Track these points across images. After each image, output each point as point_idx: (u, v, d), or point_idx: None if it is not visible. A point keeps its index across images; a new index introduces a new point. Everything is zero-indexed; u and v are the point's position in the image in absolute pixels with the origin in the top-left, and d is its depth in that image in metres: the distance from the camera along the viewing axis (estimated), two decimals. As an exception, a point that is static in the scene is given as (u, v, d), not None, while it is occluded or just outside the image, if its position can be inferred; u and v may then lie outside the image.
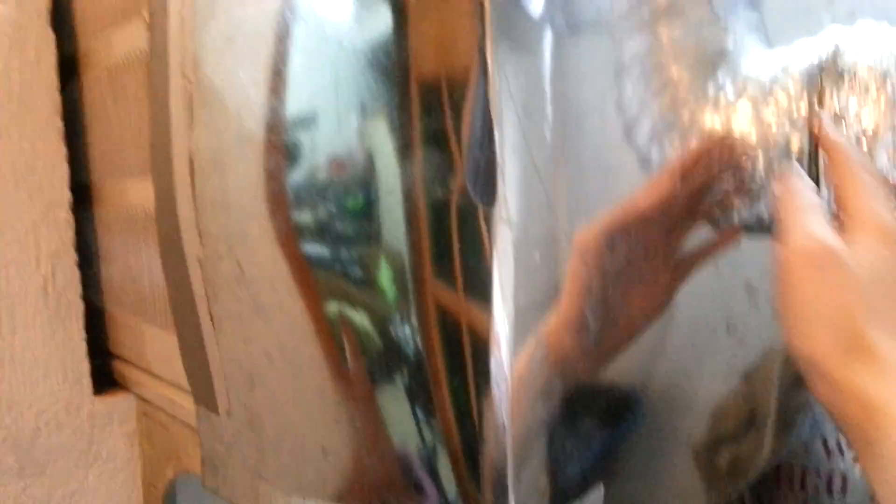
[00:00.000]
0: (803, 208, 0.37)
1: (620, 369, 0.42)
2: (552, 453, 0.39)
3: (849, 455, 0.97)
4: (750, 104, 0.45)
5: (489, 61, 0.30)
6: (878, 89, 0.41)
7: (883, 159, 0.41)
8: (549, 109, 0.34)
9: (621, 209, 0.40)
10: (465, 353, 0.36)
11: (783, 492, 1.03)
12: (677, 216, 0.42)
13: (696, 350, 0.46)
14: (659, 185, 0.42)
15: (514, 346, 0.33)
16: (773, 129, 0.44)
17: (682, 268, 0.45)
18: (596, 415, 0.42)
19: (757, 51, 0.48)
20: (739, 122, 0.45)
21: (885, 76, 0.41)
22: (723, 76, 0.46)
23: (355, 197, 0.37)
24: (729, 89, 0.46)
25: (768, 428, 0.57)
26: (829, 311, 0.33)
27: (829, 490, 0.99)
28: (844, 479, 0.99)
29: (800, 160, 0.43)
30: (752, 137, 0.45)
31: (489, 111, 0.30)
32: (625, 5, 0.43)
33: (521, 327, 0.34)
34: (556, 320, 0.36)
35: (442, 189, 0.33)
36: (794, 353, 0.35)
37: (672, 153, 0.45)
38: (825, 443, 0.97)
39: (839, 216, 0.37)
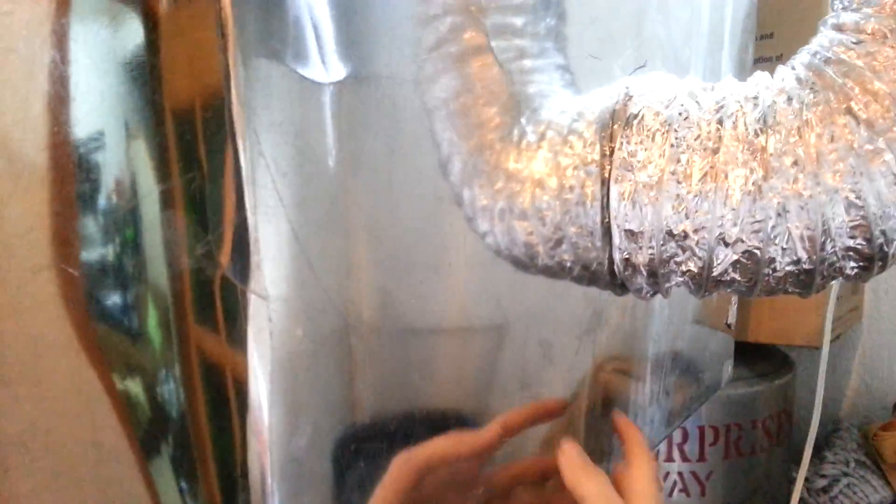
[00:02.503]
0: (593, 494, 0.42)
1: (459, 397, 0.42)
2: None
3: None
4: (549, 149, 0.45)
5: (235, 114, 0.26)
6: (662, 136, 0.42)
7: (667, 209, 0.41)
8: (328, 161, 0.31)
9: (443, 448, 0.41)
10: (229, 419, 0.32)
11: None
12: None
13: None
14: (487, 436, 0.44)
15: (273, 429, 0.30)
16: (569, 174, 0.44)
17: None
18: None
19: (561, 94, 0.48)
20: (539, 167, 0.44)
21: (669, 125, 0.42)
22: (526, 119, 0.46)
23: (130, 228, 0.33)
24: (531, 133, 0.45)
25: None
26: None
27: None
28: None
29: (592, 205, 0.43)
30: (551, 182, 0.44)
31: (239, 172, 0.27)
32: (431, 43, 0.41)
33: (284, 409, 0.30)
34: None
35: (200, 247, 0.29)
36: None
37: (480, 197, 0.45)
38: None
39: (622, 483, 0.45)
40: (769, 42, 0.88)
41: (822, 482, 1.12)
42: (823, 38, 0.43)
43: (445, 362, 0.41)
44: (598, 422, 0.58)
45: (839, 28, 0.42)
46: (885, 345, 1.26)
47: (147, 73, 0.29)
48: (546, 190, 0.44)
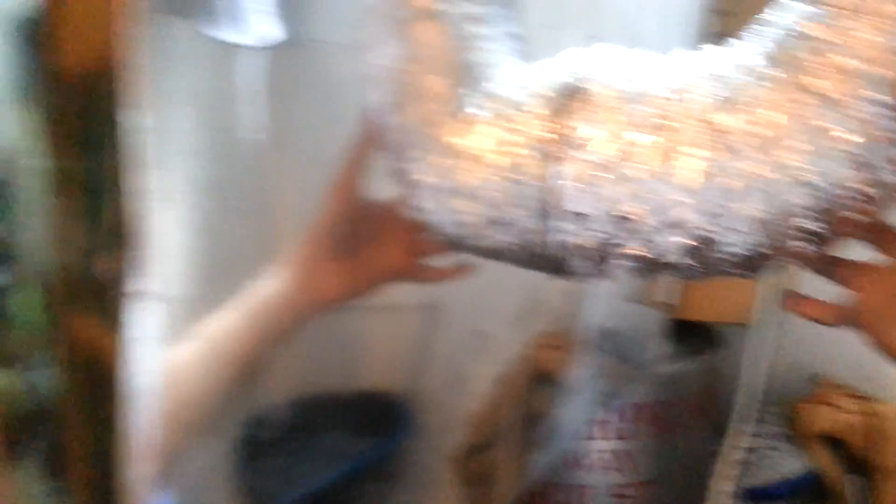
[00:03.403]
0: None
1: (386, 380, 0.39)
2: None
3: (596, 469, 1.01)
4: (495, 124, 0.41)
5: (131, 82, 0.21)
6: (615, 113, 0.39)
7: (618, 191, 0.38)
8: (251, 137, 0.27)
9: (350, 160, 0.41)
10: (102, 408, 0.28)
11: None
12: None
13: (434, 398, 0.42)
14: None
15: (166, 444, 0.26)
16: (514, 152, 0.41)
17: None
18: (357, 425, 0.37)
19: (511, 65, 0.44)
20: (483, 143, 0.41)
21: (622, 101, 0.39)
22: (472, 91, 0.42)
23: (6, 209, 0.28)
24: (477, 106, 0.42)
25: (511, 441, 0.55)
26: None
27: (581, 502, 1.02)
28: (589, 490, 1.03)
29: (538, 186, 0.40)
30: (495, 160, 0.41)
31: (132, 150, 0.22)
32: (374, 5, 0.37)
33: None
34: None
35: (85, 238, 0.25)
36: None
37: (419, 172, 0.41)
38: (570, 458, 1.00)
39: None
40: (726, 19, 0.86)
41: (743, 455, 1.14)
42: (787, 11, 0.40)
43: (372, 341, 0.39)
44: (529, 398, 0.56)
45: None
46: (808, 321, 1.29)
47: (32, 33, 0.24)
48: (490, 168, 0.41)
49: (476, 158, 0.41)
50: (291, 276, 0.35)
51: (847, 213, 0.37)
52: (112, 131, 0.22)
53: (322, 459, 0.36)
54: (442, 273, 0.45)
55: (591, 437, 0.96)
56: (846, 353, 1.29)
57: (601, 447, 0.96)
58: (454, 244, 0.43)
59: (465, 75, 0.42)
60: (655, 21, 0.59)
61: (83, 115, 0.23)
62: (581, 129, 0.39)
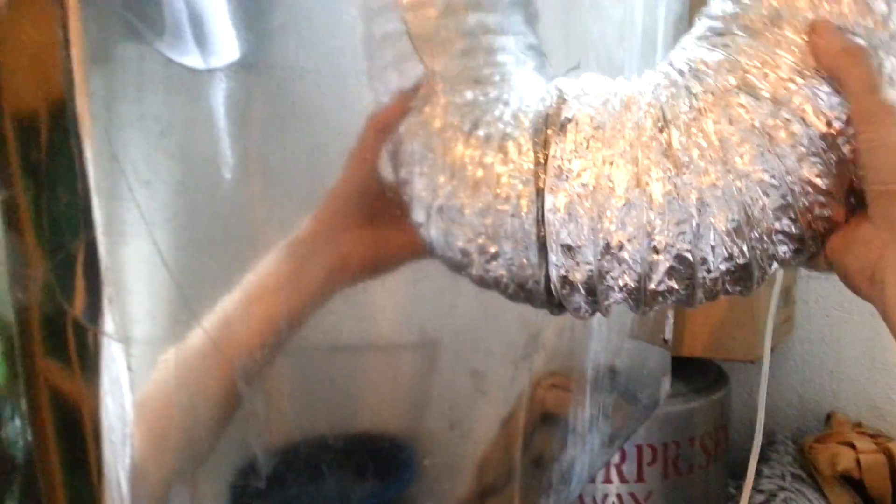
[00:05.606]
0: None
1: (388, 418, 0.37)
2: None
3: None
4: (490, 153, 0.41)
5: (78, 108, 0.21)
6: (596, 142, 0.39)
7: (604, 220, 0.38)
8: (210, 166, 0.26)
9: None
10: (77, 455, 0.26)
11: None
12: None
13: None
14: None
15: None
16: (503, 181, 0.40)
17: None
18: (357, 469, 0.36)
19: (527, 81, 0.43)
20: (479, 173, 0.40)
21: (601, 130, 0.39)
22: (482, 110, 0.41)
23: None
24: (482, 128, 0.41)
25: (521, 485, 0.54)
26: None
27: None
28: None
29: (527, 218, 0.39)
30: (488, 191, 0.40)
31: (86, 181, 0.21)
32: (380, 33, 0.37)
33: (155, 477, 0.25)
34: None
35: (37, 276, 0.24)
36: None
37: (418, 185, 0.40)
38: (584, 502, 0.98)
39: None
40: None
41: (759, 497, 1.11)
42: (700, 27, 0.41)
43: (368, 383, 0.37)
44: (536, 440, 0.54)
45: (714, 17, 0.40)
46: (817, 355, 1.26)
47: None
48: (484, 197, 0.40)
49: (475, 186, 0.40)
50: (313, 242, 0.33)
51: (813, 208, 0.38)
52: (67, 163, 0.21)
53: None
54: None
55: (602, 481, 0.94)
56: (859, 391, 1.27)
57: (613, 490, 0.94)
58: (454, 268, 0.42)
59: (483, 91, 0.42)
60: (635, 50, 0.59)
61: (32, 146, 0.22)
62: (567, 158, 0.39)
